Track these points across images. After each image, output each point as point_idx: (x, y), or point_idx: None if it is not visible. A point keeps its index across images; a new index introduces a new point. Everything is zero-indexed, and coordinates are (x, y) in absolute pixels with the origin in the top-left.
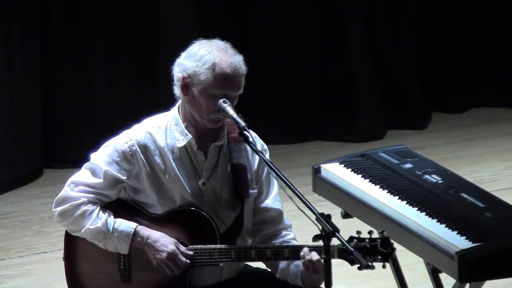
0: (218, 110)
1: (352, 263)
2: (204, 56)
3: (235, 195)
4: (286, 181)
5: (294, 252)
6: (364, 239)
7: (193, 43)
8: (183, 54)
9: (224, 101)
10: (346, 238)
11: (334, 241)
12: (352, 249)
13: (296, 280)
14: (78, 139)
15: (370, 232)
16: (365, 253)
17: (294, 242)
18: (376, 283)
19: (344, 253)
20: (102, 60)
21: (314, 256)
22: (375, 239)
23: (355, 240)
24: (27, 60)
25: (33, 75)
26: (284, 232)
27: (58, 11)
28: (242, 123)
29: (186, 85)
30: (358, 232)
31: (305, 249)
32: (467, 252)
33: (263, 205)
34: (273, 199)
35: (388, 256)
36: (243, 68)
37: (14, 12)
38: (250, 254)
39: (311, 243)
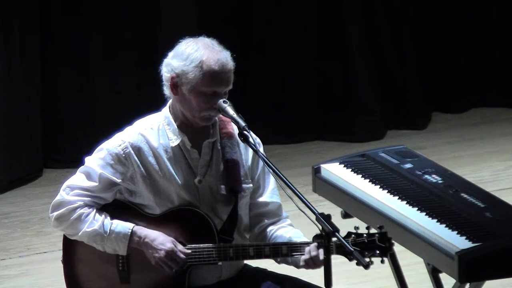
0: (209, 107)
1: (350, 259)
2: (191, 55)
3: (229, 190)
4: (286, 181)
5: (292, 249)
6: (362, 234)
7: (179, 42)
8: (170, 54)
9: (224, 101)
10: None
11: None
12: (352, 249)
13: (298, 264)
14: (78, 139)
15: (368, 228)
16: (363, 248)
17: (291, 228)
18: (376, 283)
19: (343, 249)
20: (102, 60)
21: (313, 252)
22: (373, 234)
23: (353, 235)
24: (27, 60)
25: (33, 75)
26: (281, 221)
27: (58, 11)
28: (242, 123)
29: (175, 85)
30: (356, 228)
31: (306, 249)
32: (467, 252)
33: (261, 199)
34: (271, 192)
35: (386, 250)
36: (230, 63)
37: (14, 12)
38: (248, 252)
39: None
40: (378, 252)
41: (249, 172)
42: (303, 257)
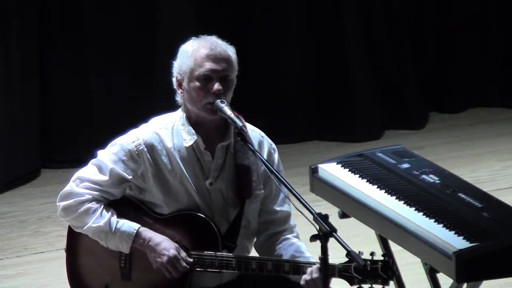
0: (206, 93)
1: (351, 283)
2: (184, 49)
3: (237, 196)
4: (284, 181)
5: (294, 267)
6: (365, 260)
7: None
8: None
9: (221, 101)
10: (343, 238)
11: (335, 259)
12: (350, 249)
13: (298, 281)
14: (76, 139)
15: (372, 254)
16: (366, 275)
17: (297, 241)
18: None
19: (344, 273)
20: (99, 60)
21: (315, 274)
22: (376, 261)
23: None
24: (25, 61)
25: (31, 76)
26: (287, 232)
27: (57, 12)
28: (239, 123)
29: (179, 85)
30: (360, 253)
31: (308, 270)
32: (465, 252)
33: (272, 206)
34: (282, 200)
35: (388, 280)
36: (223, 46)
37: (13, 13)
38: (250, 265)
39: (309, 243)
40: (380, 280)
41: (261, 178)
42: (305, 277)
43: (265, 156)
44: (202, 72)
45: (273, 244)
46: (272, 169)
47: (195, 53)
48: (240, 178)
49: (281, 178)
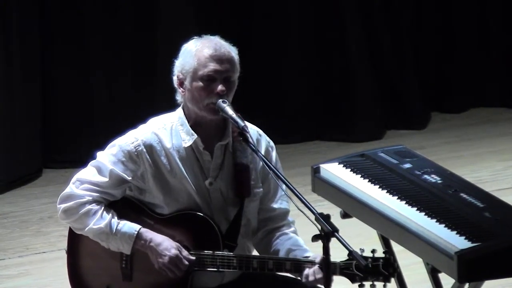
0: (209, 93)
1: (353, 280)
2: (187, 48)
3: (237, 195)
4: (286, 181)
5: (296, 265)
6: (366, 258)
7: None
8: None
9: (223, 101)
10: (345, 238)
11: (336, 258)
12: (352, 249)
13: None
14: (77, 139)
15: (373, 251)
16: (367, 273)
17: (293, 236)
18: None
19: (345, 271)
20: (100, 60)
21: (315, 273)
22: (378, 258)
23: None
24: (26, 60)
25: (32, 75)
26: (285, 227)
27: (58, 11)
28: (241, 123)
29: (181, 83)
30: (361, 250)
31: (310, 270)
32: (466, 252)
33: (270, 204)
34: (280, 198)
35: (389, 277)
36: (227, 47)
37: (13, 13)
38: (252, 264)
39: (310, 243)
40: (381, 278)
41: (260, 176)
42: (306, 274)
43: (263, 153)
44: (205, 72)
45: (271, 240)
46: (273, 168)
47: (198, 53)
48: (239, 177)
49: (281, 177)
